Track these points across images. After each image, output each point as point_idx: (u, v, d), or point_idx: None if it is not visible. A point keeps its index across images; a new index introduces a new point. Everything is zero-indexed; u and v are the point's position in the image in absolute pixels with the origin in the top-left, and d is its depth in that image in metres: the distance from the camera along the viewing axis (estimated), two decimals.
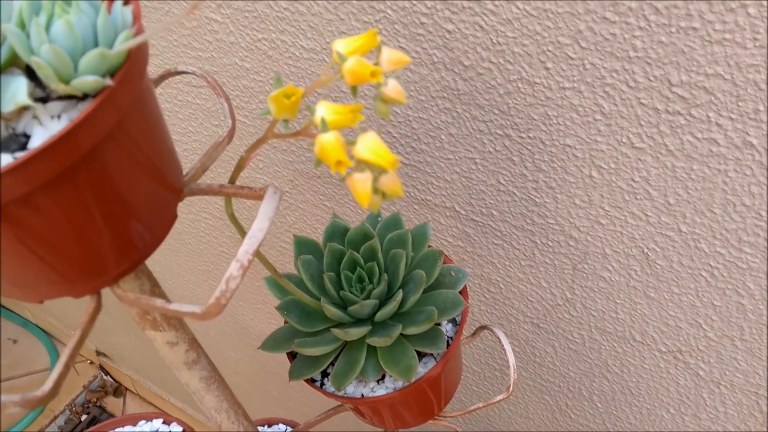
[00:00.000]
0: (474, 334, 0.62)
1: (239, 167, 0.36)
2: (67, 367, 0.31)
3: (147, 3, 0.71)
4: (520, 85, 0.51)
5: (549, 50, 0.48)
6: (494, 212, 0.63)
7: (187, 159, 0.90)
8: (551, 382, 0.78)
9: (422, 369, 0.52)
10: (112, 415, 2.27)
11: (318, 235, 0.79)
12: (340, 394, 0.53)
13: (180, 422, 0.63)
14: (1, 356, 2.34)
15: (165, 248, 1.16)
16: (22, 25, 0.26)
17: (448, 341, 0.54)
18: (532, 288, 0.68)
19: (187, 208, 1.01)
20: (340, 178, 0.40)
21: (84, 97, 0.28)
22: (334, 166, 0.28)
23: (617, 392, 0.72)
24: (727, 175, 0.47)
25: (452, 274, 0.54)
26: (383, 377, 0.54)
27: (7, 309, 2.48)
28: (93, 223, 0.29)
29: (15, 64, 0.28)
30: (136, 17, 0.28)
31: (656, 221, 0.53)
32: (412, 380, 0.51)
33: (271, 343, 0.53)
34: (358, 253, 0.52)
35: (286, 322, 0.54)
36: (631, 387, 0.70)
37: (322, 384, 0.54)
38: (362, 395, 0.53)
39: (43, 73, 0.25)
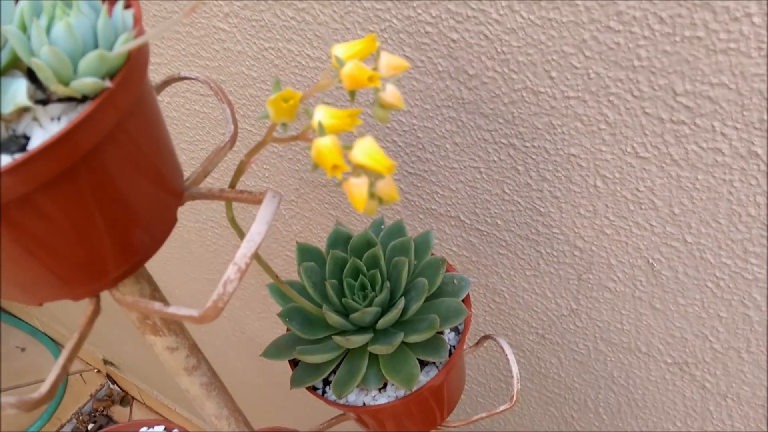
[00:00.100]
0: (477, 343, 0.62)
1: (239, 171, 0.36)
2: (64, 369, 0.31)
3: (151, 10, 0.71)
4: (524, 94, 0.51)
5: (553, 59, 0.48)
6: (499, 221, 0.63)
7: (195, 167, 0.90)
8: (557, 393, 0.77)
9: (424, 378, 0.52)
10: None
11: (323, 244, 0.79)
12: (342, 402, 0.52)
13: (182, 429, 0.63)
14: (7, 363, 2.35)
15: (172, 257, 1.17)
16: (24, 27, 0.26)
17: (450, 350, 0.53)
18: (537, 298, 0.67)
19: (194, 217, 1.01)
20: (337, 183, 0.40)
21: (84, 99, 0.28)
22: (330, 170, 0.28)
23: (623, 404, 0.71)
24: (732, 185, 0.47)
25: (455, 282, 0.54)
26: (385, 386, 0.53)
27: (15, 317, 2.49)
28: (92, 225, 0.29)
29: (16, 66, 0.28)
30: (137, 20, 0.28)
31: (661, 231, 0.53)
32: (414, 389, 0.51)
33: (273, 351, 0.53)
34: (361, 260, 0.52)
35: (288, 329, 0.54)
36: (637, 399, 0.69)
37: (324, 392, 0.54)
38: (364, 403, 0.52)
39: (43, 74, 0.26)
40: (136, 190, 0.31)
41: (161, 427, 0.63)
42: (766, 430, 0.61)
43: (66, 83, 0.26)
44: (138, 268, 0.34)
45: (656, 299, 0.58)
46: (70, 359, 0.31)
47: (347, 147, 0.29)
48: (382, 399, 0.52)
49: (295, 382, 0.53)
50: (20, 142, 0.27)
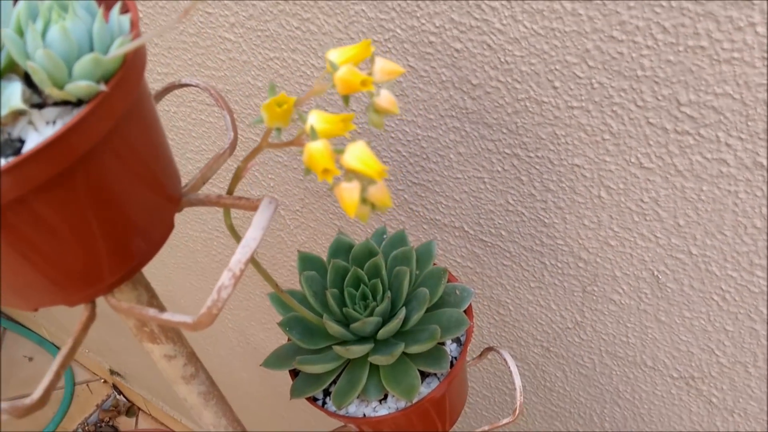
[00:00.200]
0: (481, 355, 0.61)
1: (237, 177, 0.36)
2: (57, 376, 0.30)
3: (159, 21, 0.72)
4: (528, 104, 0.51)
5: (557, 69, 0.48)
6: (503, 232, 0.62)
7: None
8: (562, 407, 0.77)
9: (425, 389, 0.52)
10: None
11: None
12: (342, 413, 0.52)
13: None
14: (15, 373, 2.35)
15: (178, 267, 1.17)
16: (20, 31, 0.26)
17: (452, 361, 0.53)
18: (542, 310, 0.67)
19: (199, 227, 1.01)
20: (329, 188, 0.40)
21: (80, 103, 0.28)
22: (321, 174, 0.28)
23: (629, 419, 0.70)
24: (738, 197, 0.47)
25: (457, 292, 0.53)
26: (386, 397, 0.53)
27: (23, 326, 2.50)
28: (87, 229, 0.29)
29: (14, 70, 0.28)
30: (134, 24, 0.28)
31: (666, 243, 0.53)
32: (414, 400, 0.50)
33: (273, 360, 0.53)
34: (362, 269, 0.52)
35: (289, 339, 0.54)
36: (643, 414, 0.68)
37: (324, 403, 0.54)
38: (364, 415, 0.52)
39: (38, 77, 0.26)
40: (132, 195, 0.31)
41: None
42: None
43: (61, 86, 0.26)
44: (134, 274, 0.34)
45: (662, 312, 0.58)
46: (63, 365, 0.31)
47: (338, 151, 0.29)
48: (383, 410, 0.52)
49: (295, 393, 0.52)
50: (15, 146, 0.27)
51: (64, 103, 0.28)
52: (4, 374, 2.34)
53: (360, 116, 0.63)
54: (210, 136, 0.82)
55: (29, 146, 0.27)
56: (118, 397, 2.37)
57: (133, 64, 0.28)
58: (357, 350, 0.49)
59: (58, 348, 2.43)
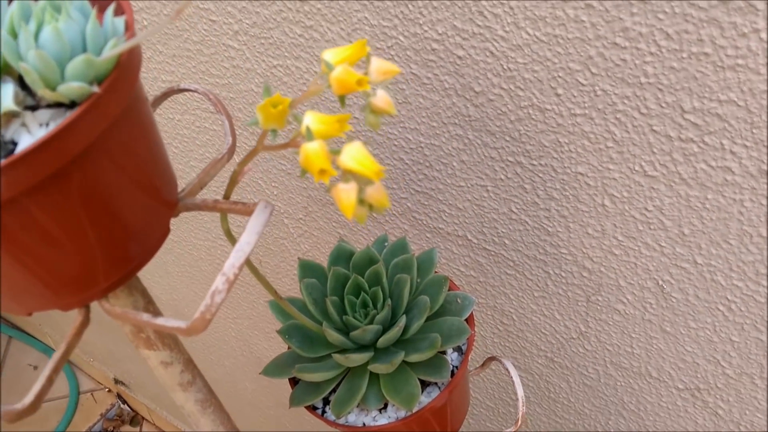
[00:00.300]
0: (483, 365, 0.61)
1: (233, 182, 0.35)
2: (49, 381, 0.30)
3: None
4: (531, 111, 0.51)
5: (559, 76, 0.48)
6: (506, 241, 0.62)
7: None
8: (566, 419, 0.76)
9: (426, 398, 0.51)
10: None
11: None
12: (341, 422, 0.51)
13: None
14: (20, 381, 2.35)
15: (182, 276, 1.16)
16: (14, 32, 0.26)
17: (453, 370, 0.52)
18: (546, 320, 0.66)
19: (203, 235, 1.01)
20: (326, 189, 0.40)
21: (73, 105, 0.27)
22: (317, 174, 0.28)
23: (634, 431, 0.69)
24: (743, 205, 0.46)
25: (458, 301, 0.53)
26: (386, 406, 0.52)
27: (28, 335, 2.50)
28: (81, 233, 0.29)
29: (8, 72, 0.28)
30: (129, 26, 0.28)
31: (671, 252, 0.52)
32: (414, 410, 0.50)
33: (273, 368, 0.52)
34: (363, 277, 0.51)
35: (289, 347, 0.53)
36: (648, 426, 0.67)
37: (324, 412, 0.53)
38: (364, 424, 0.51)
39: (30, 78, 0.25)
40: (127, 199, 0.30)
41: None
42: None
43: (53, 88, 0.26)
44: (129, 279, 0.33)
45: (667, 322, 0.57)
46: (55, 370, 0.31)
47: (335, 152, 0.28)
48: (383, 420, 0.51)
49: (294, 401, 0.52)
50: (8, 148, 0.27)
51: (58, 105, 0.28)
52: (9, 382, 2.35)
53: (361, 124, 0.63)
54: (214, 144, 0.82)
55: (22, 148, 0.27)
56: (122, 406, 2.36)
57: (127, 66, 0.27)
58: (357, 359, 0.49)
59: None
